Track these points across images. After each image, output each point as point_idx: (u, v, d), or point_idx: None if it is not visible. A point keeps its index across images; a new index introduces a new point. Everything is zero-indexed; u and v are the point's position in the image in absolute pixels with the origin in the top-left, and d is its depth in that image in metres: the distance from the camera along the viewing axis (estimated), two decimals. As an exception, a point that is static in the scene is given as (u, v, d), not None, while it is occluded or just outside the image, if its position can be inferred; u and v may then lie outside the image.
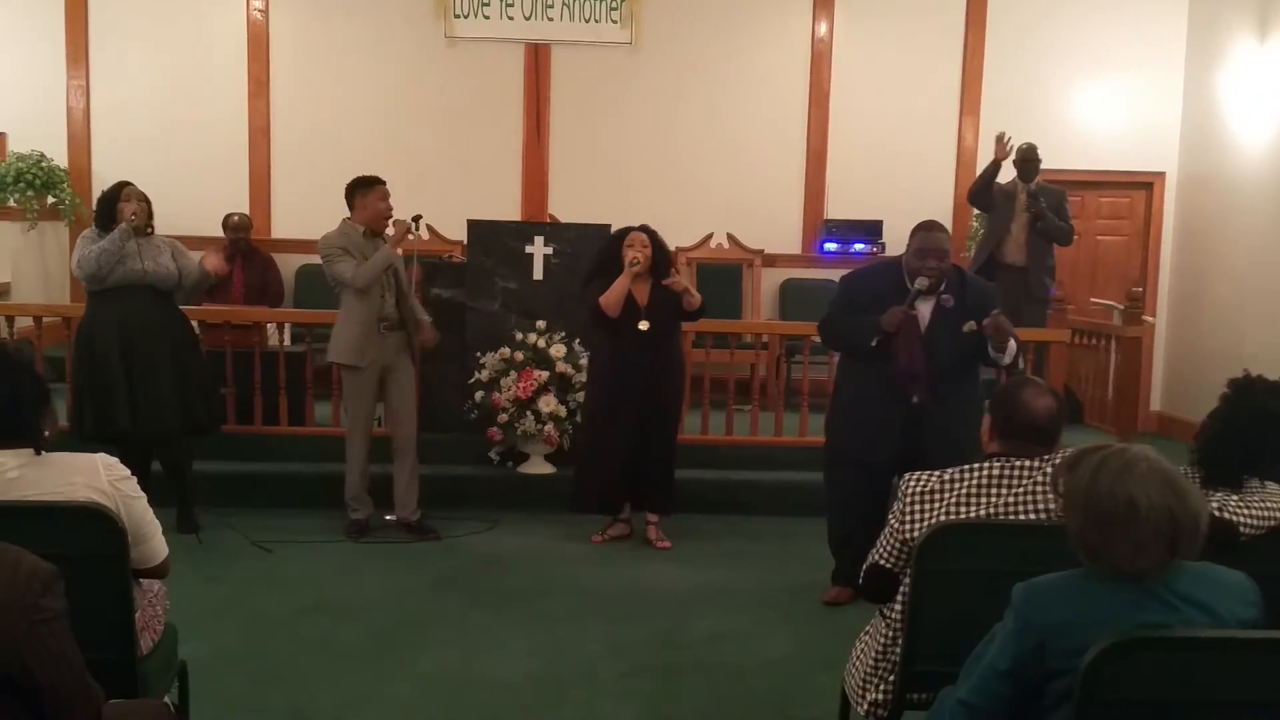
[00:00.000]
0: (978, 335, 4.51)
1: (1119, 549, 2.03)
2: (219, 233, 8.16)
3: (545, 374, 6.33)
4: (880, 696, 2.98)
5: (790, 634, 4.68)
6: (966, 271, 5.01)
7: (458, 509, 6.25)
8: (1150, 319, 8.83)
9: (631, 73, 9.16)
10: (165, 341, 5.57)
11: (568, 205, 8.78)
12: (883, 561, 3.00)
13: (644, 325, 5.59)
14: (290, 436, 6.69)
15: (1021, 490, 2.86)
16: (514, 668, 4.23)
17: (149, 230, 5.63)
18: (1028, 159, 7.84)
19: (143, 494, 2.80)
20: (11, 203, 8.30)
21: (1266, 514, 2.78)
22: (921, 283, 4.63)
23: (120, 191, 5.56)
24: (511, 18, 9.05)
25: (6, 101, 8.81)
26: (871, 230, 9.03)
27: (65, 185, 8.62)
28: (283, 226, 9.06)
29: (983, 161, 8.80)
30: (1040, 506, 2.82)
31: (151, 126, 8.93)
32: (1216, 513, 2.69)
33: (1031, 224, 7.76)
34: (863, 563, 3.08)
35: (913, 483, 2.95)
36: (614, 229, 5.89)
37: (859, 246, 9.02)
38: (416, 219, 5.91)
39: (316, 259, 6.01)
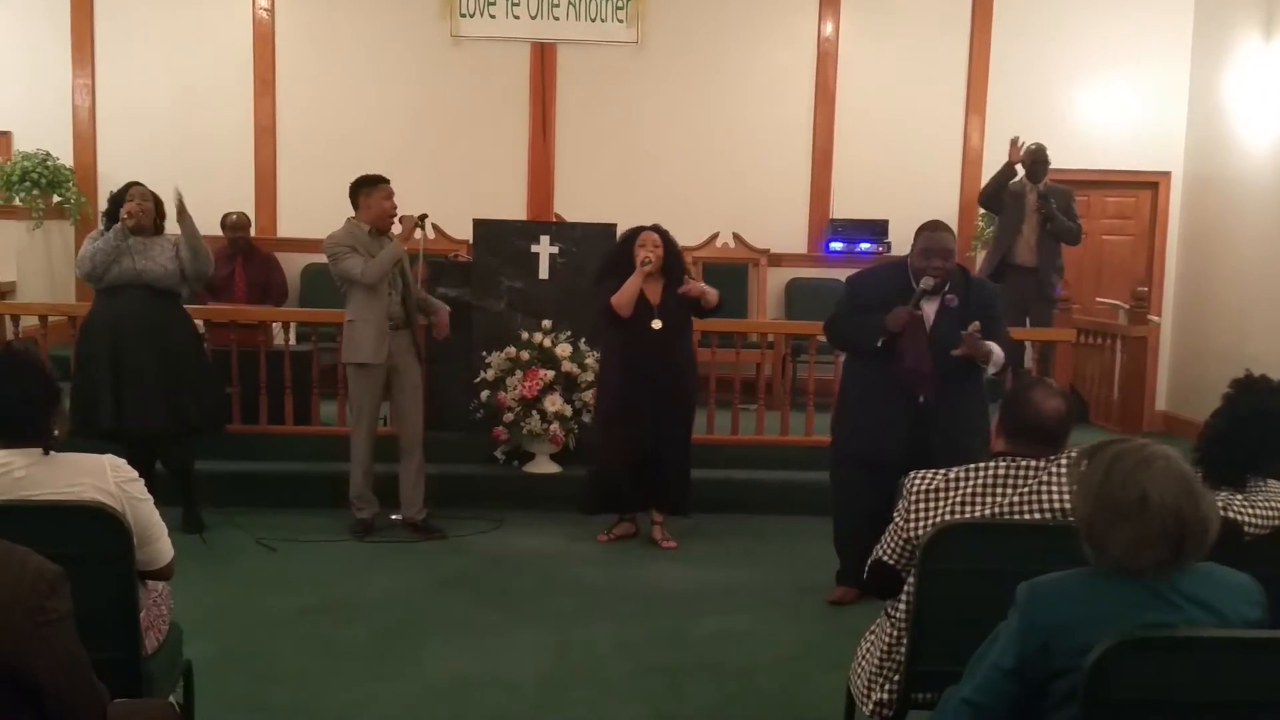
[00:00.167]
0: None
1: (1121, 542, 2.02)
2: (217, 232, 8.14)
3: (551, 373, 6.34)
4: (885, 696, 2.97)
5: (796, 633, 4.67)
6: (971, 271, 5.01)
7: (463, 508, 6.26)
8: (1155, 319, 8.81)
9: (637, 72, 9.16)
10: (157, 340, 5.53)
11: (573, 204, 8.79)
12: (887, 558, 3.01)
13: (657, 324, 5.58)
14: (296, 436, 6.69)
15: (1027, 490, 2.86)
16: (520, 667, 4.23)
17: (155, 229, 5.63)
18: (1038, 160, 7.84)
19: (149, 496, 2.81)
20: (17, 202, 8.33)
21: (1271, 513, 2.78)
22: (926, 283, 4.62)
23: (127, 191, 5.58)
24: (517, 17, 9.06)
25: (12, 100, 8.85)
26: (877, 230, 9.02)
27: (70, 184, 8.63)
28: (288, 225, 9.07)
29: (988, 161, 8.83)
30: (1045, 507, 2.82)
31: (157, 126, 8.94)
32: (1221, 512, 2.69)
33: (1041, 225, 7.75)
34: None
35: (918, 480, 2.95)
36: (620, 228, 5.89)
37: (865, 246, 9.02)
38: (422, 218, 5.91)
39: (322, 258, 6.01)
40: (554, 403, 6.29)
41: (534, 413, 6.30)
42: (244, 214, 8.40)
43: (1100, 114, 9.18)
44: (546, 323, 6.51)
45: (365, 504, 5.92)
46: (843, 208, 9.20)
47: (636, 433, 5.65)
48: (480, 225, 6.77)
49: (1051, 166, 7.94)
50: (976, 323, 4.48)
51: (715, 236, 9.00)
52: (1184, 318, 9.25)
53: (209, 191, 8.51)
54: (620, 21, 9.07)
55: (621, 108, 9.18)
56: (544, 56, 9.13)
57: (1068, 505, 2.80)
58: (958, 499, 2.88)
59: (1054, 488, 2.83)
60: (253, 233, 8.55)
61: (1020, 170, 7.89)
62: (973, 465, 2.93)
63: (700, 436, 6.62)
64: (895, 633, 2.97)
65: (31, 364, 2.71)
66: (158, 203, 5.66)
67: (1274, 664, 2.02)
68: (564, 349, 6.40)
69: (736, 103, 9.21)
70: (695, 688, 4.10)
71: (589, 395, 6.34)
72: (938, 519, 2.87)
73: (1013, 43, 9.16)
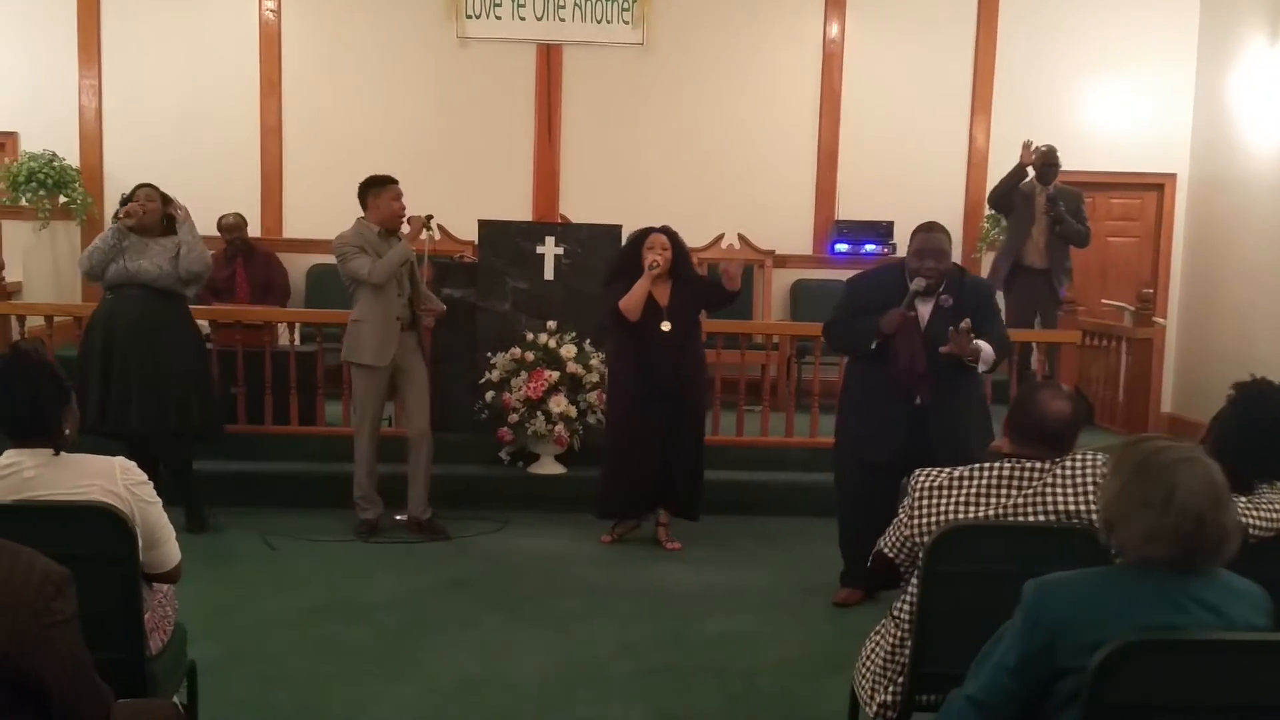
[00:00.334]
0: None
1: (1135, 530, 2.04)
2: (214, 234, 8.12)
3: (556, 374, 6.34)
4: (889, 698, 2.97)
5: (800, 635, 4.67)
6: (969, 272, 5.01)
7: (468, 509, 6.26)
8: (1161, 320, 8.80)
9: (643, 73, 9.16)
10: (149, 341, 5.51)
11: (579, 205, 8.80)
12: (888, 550, 3.03)
13: (666, 326, 5.58)
14: (301, 436, 6.70)
15: (1031, 492, 2.86)
16: (524, 668, 4.23)
17: (163, 230, 5.63)
18: (1048, 162, 7.82)
19: (158, 499, 2.82)
20: (23, 202, 8.34)
21: (1275, 516, 2.77)
22: (919, 284, 4.64)
23: (134, 192, 5.61)
24: (523, 18, 9.06)
25: (19, 101, 8.87)
26: (883, 231, 9.02)
27: (77, 185, 8.65)
28: (294, 226, 9.09)
29: (994, 163, 8.83)
30: (1049, 509, 2.82)
31: (163, 126, 8.95)
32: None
33: (1050, 227, 7.75)
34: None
35: (922, 478, 2.97)
36: (625, 229, 5.89)
37: (870, 247, 9.00)
38: (429, 219, 5.92)
39: (328, 258, 6.01)
40: (559, 404, 6.30)
41: (539, 414, 6.30)
42: (239, 215, 8.34)
43: (1105, 116, 9.17)
44: (551, 324, 6.51)
45: (370, 504, 5.93)
46: (848, 209, 9.20)
47: (649, 436, 5.63)
48: (485, 226, 6.78)
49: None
50: (966, 320, 4.47)
51: (721, 238, 9.00)
52: (1189, 320, 9.24)
53: (215, 191, 8.58)
54: (626, 23, 9.07)
55: (627, 109, 9.19)
56: (550, 58, 9.13)
57: (1072, 508, 2.81)
58: (961, 497, 2.89)
59: (1059, 490, 2.83)
60: (253, 233, 8.55)
61: (1030, 172, 7.88)
62: (978, 465, 2.94)
63: (705, 438, 6.62)
64: (899, 634, 2.97)
65: (41, 364, 2.71)
66: (167, 203, 5.67)
67: (1278, 668, 2.02)
68: (569, 350, 6.40)
69: (742, 104, 9.21)
70: (699, 689, 4.10)
71: (594, 396, 6.35)
72: (941, 516, 2.88)
73: (1018, 45, 9.15)
